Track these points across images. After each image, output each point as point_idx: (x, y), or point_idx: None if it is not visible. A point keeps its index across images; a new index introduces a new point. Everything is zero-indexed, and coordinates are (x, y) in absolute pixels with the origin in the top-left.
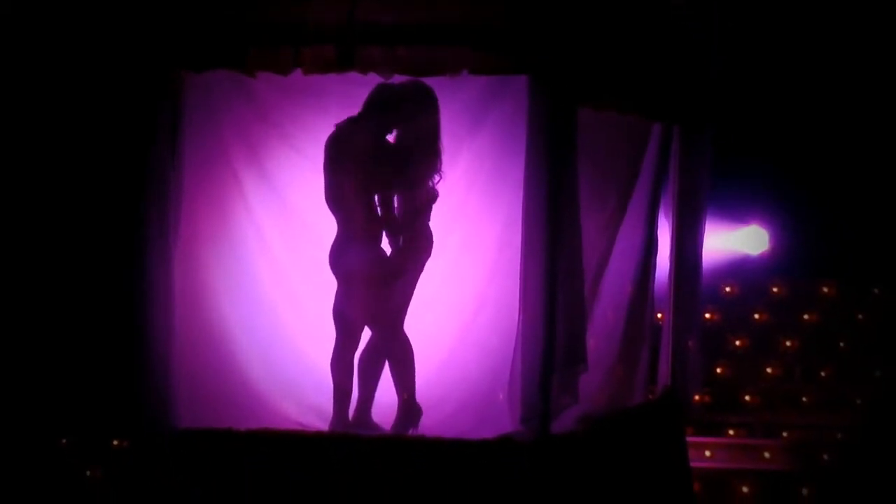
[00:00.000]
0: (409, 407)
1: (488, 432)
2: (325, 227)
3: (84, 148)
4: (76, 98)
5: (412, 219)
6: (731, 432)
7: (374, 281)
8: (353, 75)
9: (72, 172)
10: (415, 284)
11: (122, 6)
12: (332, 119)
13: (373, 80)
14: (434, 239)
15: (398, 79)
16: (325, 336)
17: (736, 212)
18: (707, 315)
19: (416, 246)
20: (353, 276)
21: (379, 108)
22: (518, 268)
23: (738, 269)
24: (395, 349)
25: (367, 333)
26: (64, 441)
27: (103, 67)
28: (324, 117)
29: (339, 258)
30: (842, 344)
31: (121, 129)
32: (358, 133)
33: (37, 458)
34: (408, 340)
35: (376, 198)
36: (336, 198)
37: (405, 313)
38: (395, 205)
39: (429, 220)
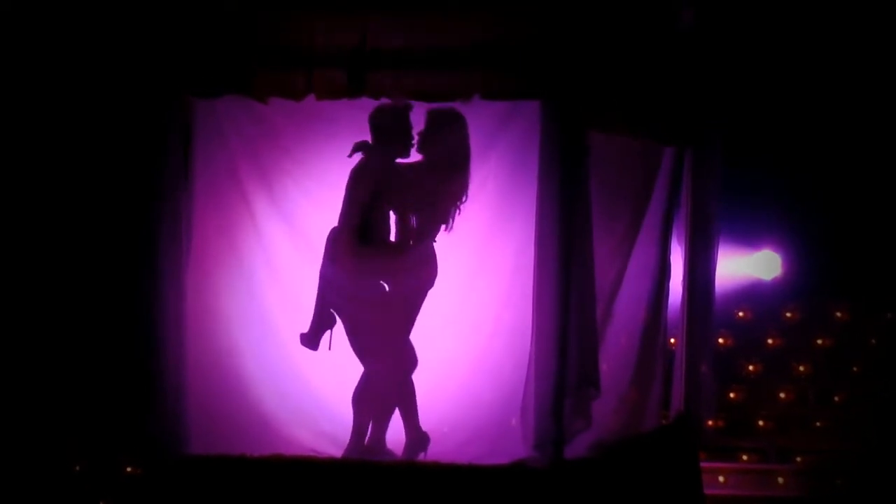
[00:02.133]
0: (416, 435)
1: (502, 458)
2: None
3: (96, 174)
4: (88, 124)
5: (420, 241)
6: (744, 457)
7: (379, 308)
8: (364, 100)
9: (83, 199)
10: (417, 311)
11: (133, 33)
12: (342, 144)
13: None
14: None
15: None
16: (334, 362)
17: (748, 236)
18: (720, 340)
19: (421, 268)
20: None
21: (387, 133)
22: (531, 292)
23: (751, 293)
24: (393, 385)
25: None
26: (77, 468)
27: (116, 94)
28: (334, 142)
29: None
30: (855, 368)
31: (132, 154)
32: (374, 160)
33: (51, 487)
34: (405, 379)
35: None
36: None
37: (403, 339)
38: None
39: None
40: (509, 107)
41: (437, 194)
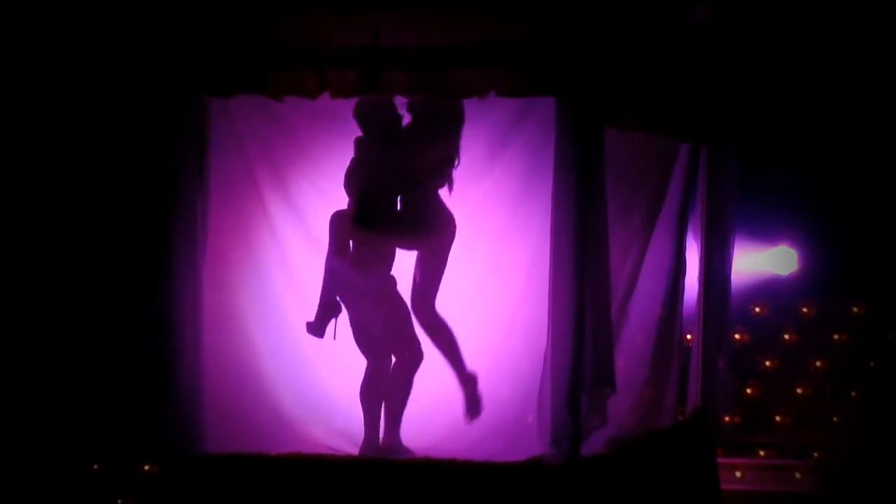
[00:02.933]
0: (392, 439)
1: (518, 455)
2: None
3: (111, 173)
4: (103, 124)
5: (427, 205)
6: (761, 453)
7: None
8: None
9: (99, 199)
10: (444, 264)
11: (149, 34)
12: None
13: (399, 102)
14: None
15: None
16: (350, 360)
17: (765, 232)
18: (736, 336)
19: (438, 226)
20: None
21: (374, 122)
22: (547, 290)
23: (768, 289)
24: (438, 329)
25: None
26: (95, 466)
27: (132, 94)
28: (348, 141)
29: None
30: (872, 364)
31: (147, 154)
32: (366, 151)
33: (69, 486)
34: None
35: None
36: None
37: (437, 291)
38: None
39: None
40: (525, 104)
41: (432, 158)
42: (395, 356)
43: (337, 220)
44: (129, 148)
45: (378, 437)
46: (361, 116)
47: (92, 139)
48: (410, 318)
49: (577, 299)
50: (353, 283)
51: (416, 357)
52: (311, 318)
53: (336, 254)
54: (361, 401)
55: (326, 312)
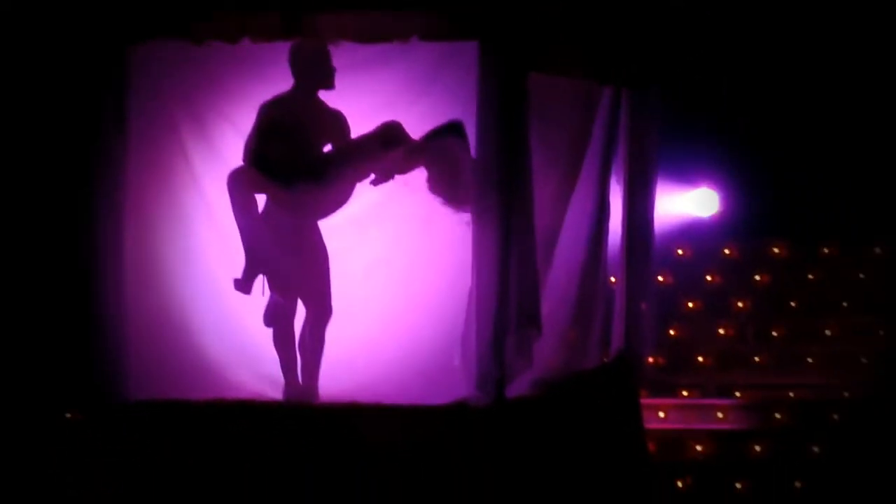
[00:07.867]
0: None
1: (444, 398)
2: None
3: (29, 127)
4: (19, 76)
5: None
6: (684, 393)
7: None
8: None
9: (17, 153)
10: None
11: None
12: (278, 88)
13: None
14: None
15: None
16: None
17: (686, 174)
18: (660, 278)
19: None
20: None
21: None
22: (471, 233)
23: (690, 231)
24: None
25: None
26: (15, 414)
27: (47, 45)
28: (270, 86)
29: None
30: (793, 304)
31: (66, 106)
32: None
33: None
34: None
35: None
36: None
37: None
38: None
39: None
40: (447, 48)
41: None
42: (305, 306)
43: (237, 177)
44: (47, 99)
45: (298, 382)
46: (296, 62)
47: (7, 91)
48: (327, 270)
49: (502, 242)
50: (271, 233)
51: (325, 310)
52: (233, 266)
53: (243, 212)
54: (275, 345)
55: (253, 269)
